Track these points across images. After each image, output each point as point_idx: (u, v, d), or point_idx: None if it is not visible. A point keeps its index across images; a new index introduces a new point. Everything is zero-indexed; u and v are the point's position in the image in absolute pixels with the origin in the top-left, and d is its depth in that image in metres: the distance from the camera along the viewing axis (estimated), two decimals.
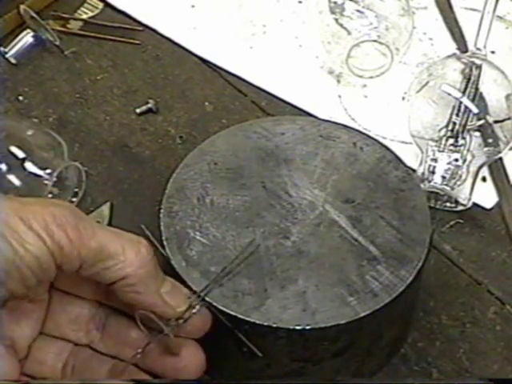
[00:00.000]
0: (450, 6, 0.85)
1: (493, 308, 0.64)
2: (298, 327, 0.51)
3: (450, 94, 0.70)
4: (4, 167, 0.64)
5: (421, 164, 0.69)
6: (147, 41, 0.82)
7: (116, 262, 0.47)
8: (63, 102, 0.77)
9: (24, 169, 0.65)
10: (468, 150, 0.69)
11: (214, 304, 0.52)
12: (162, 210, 0.57)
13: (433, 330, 0.62)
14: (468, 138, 0.69)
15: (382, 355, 0.59)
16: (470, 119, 0.69)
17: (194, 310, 0.51)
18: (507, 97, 0.71)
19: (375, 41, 0.76)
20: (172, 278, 0.52)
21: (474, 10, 0.82)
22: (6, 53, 0.80)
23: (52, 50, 0.81)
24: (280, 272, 0.54)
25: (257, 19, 0.84)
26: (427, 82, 0.71)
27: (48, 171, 0.65)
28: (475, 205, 0.69)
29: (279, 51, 0.81)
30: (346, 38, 0.76)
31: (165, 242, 0.55)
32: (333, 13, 0.77)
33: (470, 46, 0.77)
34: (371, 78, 0.78)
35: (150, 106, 0.76)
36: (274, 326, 0.51)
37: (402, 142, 0.73)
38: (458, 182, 0.68)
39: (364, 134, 0.62)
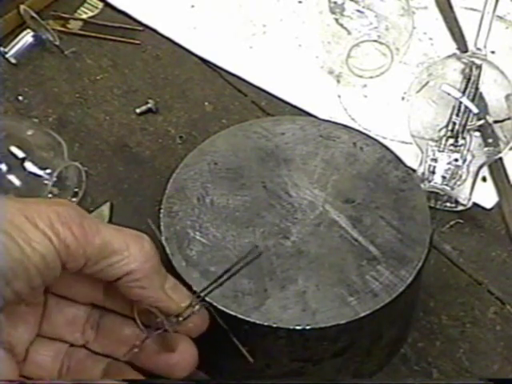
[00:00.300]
0: (450, 6, 0.85)
1: (493, 308, 0.64)
2: (298, 327, 0.51)
3: (449, 94, 0.70)
4: (4, 167, 0.64)
5: (421, 164, 0.69)
6: (147, 41, 0.82)
7: (121, 257, 0.47)
8: (63, 101, 0.77)
9: (24, 169, 0.65)
10: (468, 150, 0.69)
11: (214, 304, 0.52)
12: (162, 210, 0.57)
13: (433, 330, 0.62)
14: (468, 138, 0.69)
15: (382, 355, 0.59)
16: (470, 119, 0.69)
17: (194, 309, 0.51)
18: (507, 97, 0.71)
19: (375, 41, 0.76)
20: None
21: (474, 9, 0.82)
22: (6, 53, 0.80)
23: (52, 50, 0.81)
24: (280, 272, 0.54)
25: (257, 19, 0.84)
26: (427, 82, 0.71)
27: (48, 171, 0.65)
28: (475, 205, 0.69)
29: (279, 51, 0.81)
30: (346, 38, 0.76)
31: (165, 242, 0.55)
32: (333, 13, 0.77)
33: (470, 46, 0.77)
34: (371, 78, 0.78)
35: (149, 106, 0.76)
36: (274, 325, 0.51)
37: (402, 142, 0.73)
38: (458, 182, 0.68)
39: (364, 134, 0.62)
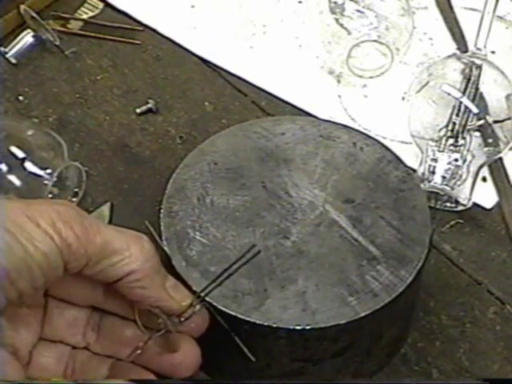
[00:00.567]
0: (451, 6, 0.85)
1: (493, 308, 0.64)
2: (297, 327, 0.51)
3: (449, 94, 0.70)
4: (4, 167, 0.64)
5: (421, 164, 0.69)
6: (147, 41, 0.82)
7: (121, 257, 0.47)
8: (63, 101, 0.77)
9: (24, 169, 0.65)
10: (468, 150, 0.69)
11: (214, 304, 0.52)
12: (162, 210, 0.57)
13: (433, 330, 0.62)
14: (468, 137, 0.69)
15: (382, 355, 0.59)
16: (470, 119, 0.69)
17: (195, 309, 0.51)
18: (507, 97, 0.71)
19: (375, 41, 0.76)
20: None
21: (474, 9, 0.82)
22: (6, 53, 0.80)
23: (52, 50, 0.81)
24: (280, 272, 0.54)
25: (257, 19, 0.84)
26: (427, 82, 0.71)
27: (48, 171, 0.65)
28: (475, 205, 0.69)
29: (279, 51, 0.81)
30: (346, 38, 0.76)
31: (165, 242, 0.55)
32: (333, 13, 0.77)
33: (470, 46, 0.77)
34: (371, 77, 0.78)
35: (150, 106, 0.76)
36: (274, 325, 0.51)
37: (402, 142, 0.73)
38: (458, 182, 0.68)
39: (364, 133, 0.62)
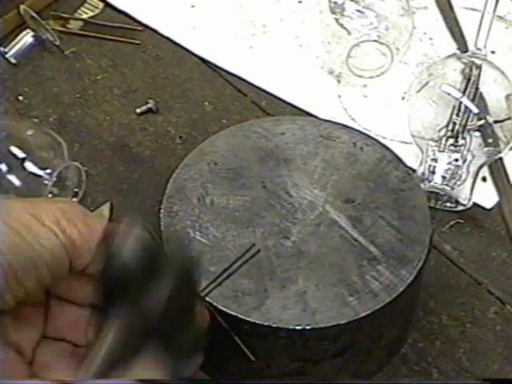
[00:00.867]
0: (451, 6, 0.85)
1: (493, 308, 0.64)
2: (298, 327, 0.51)
3: (450, 94, 0.70)
4: (4, 167, 0.64)
5: (421, 164, 0.69)
6: (147, 41, 0.82)
7: None
8: (63, 102, 0.77)
9: (24, 169, 0.65)
10: (468, 150, 0.69)
11: (214, 304, 0.52)
12: (161, 210, 0.57)
13: (433, 330, 0.62)
14: (468, 138, 0.69)
15: (382, 355, 0.59)
16: (470, 119, 0.69)
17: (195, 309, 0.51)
18: (507, 97, 0.71)
19: (375, 41, 0.76)
20: None
21: (474, 9, 0.82)
22: (6, 53, 0.80)
23: (52, 50, 0.81)
24: (280, 272, 0.54)
25: (257, 19, 0.84)
26: (427, 82, 0.71)
27: (48, 171, 0.65)
28: (475, 205, 0.69)
29: (279, 51, 0.81)
30: (346, 38, 0.76)
31: (165, 242, 0.55)
32: (333, 13, 0.77)
33: (470, 46, 0.77)
34: (371, 77, 0.78)
35: (150, 106, 0.76)
36: (274, 325, 0.51)
37: (402, 142, 0.73)
38: (458, 182, 0.68)
39: (364, 133, 0.62)
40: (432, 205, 0.69)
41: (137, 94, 0.78)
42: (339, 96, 0.78)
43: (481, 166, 0.69)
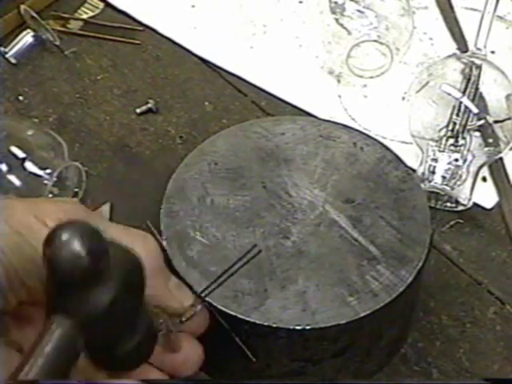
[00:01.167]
0: (451, 6, 0.85)
1: (493, 308, 0.64)
2: (298, 327, 0.51)
3: (450, 94, 0.70)
4: (4, 167, 0.64)
5: (421, 164, 0.69)
6: (147, 41, 0.82)
7: None
8: (63, 101, 0.77)
9: (24, 169, 0.65)
10: (468, 150, 0.69)
11: (214, 304, 0.52)
12: (161, 210, 0.57)
13: (433, 330, 0.62)
14: (468, 138, 0.69)
15: (382, 355, 0.59)
16: (470, 119, 0.69)
17: (196, 310, 0.51)
18: (507, 97, 0.71)
19: (375, 41, 0.76)
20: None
21: (475, 9, 0.82)
22: (6, 53, 0.80)
23: (52, 50, 0.81)
24: (280, 272, 0.54)
25: (257, 19, 0.84)
26: (427, 82, 0.71)
27: (48, 171, 0.65)
28: (475, 205, 0.69)
29: (279, 51, 0.81)
30: (347, 38, 0.76)
31: (165, 242, 0.55)
32: (333, 13, 0.77)
33: (470, 46, 0.77)
34: (371, 77, 0.78)
35: (150, 105, 0.76)
36: (274, 325, 0.51)
37: (402, 142, 0.73)
38: (458, 182, 0.68)
39: (364, 133, 0.62)
40: (432, 205, 0.68)
41: (137, 94, 0.78)
42: (339, 96, 0.78)
43: (481, 166, 0.69)
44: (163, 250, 0.54)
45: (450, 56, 0.75)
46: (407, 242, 0.56)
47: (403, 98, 0.77)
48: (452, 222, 0.69)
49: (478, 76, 0.71)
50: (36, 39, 0.81)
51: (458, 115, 0.69)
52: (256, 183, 0.59)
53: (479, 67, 0.72)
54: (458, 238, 0.68)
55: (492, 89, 0.71)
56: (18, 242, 0.43)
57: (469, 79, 0.71)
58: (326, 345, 0.53)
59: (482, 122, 0.70)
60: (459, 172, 0.68)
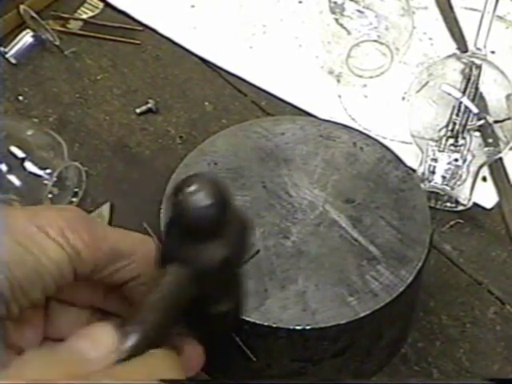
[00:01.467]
0: (450, 6, 0.85)
1: (493, 308, 0.64)
2: (298, 327, 0.51)
3: (450, 94, 0.70)
4: (4, 167, 0.64)
5: (421, 164, 0.69)
6: (147, 41, 0.82)
7: (128, 262, 0.47)
8: (63, 102, 0.77)
9: (24, 169, 0.65)
10: (468, 150, 0.69)
11: None
12: (162, 210, 0.57)
13: (433, 330, 0.62)
14: (468, 137, 0.69)
15: (382, 355, 0.59)
16: (470, 119, 0.69)
17: None
18: (507, 97, 0.71)
19: (375, 41, 0.76)
20: None
21: (474, 9, 0.82)
22: (6, 53, 0.80)
23: (52, 50, 0.81)
24: (280, 272, 0.54)
25: (257, 19, 0.84)
26: (427, 82, 0.71)
27: (48, 171, 0.65)
28: (475, 205, 0.69)
29: (279, 51, 0.81)
30: (346, 38, 0.76)
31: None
32: (333, 13, 0.77)
33: (470, 46, 0.77)
34: (371, 77, 0.78)
35: (150, 105, 0.76)
36: (274, 325, 0.51)
37: (402, 142, 0.73)
38: (458, 182, 0.68)
39: (364, 134, 0.62)
40: (432, 205, 0.68)
41: (137, 94, 0.78)
42: (339, 96, 0.78)
43: (481, 166, 0.69)
44: None
45: (449, 56, 0.75)
46: (407, 242, 0.56)
47: (403, 98, 0.77)
48: (452, 222, 0.69)
49: (478, 76, 0.71)
50: (36, 39, 0.80)
51: (457, 115, 0.69)
52: (256, 183, 0.59)
53: (479, 67, 0.72)
54: (458, 238, 0.68)
55: (492, 89, 0.71)
56: (21, 253, 0.43)
57: (469, 79, 0.71)
58: (326, 345, 0.53)
59: (481, 121, 0.70)
60: (459, 172, 0.68)
